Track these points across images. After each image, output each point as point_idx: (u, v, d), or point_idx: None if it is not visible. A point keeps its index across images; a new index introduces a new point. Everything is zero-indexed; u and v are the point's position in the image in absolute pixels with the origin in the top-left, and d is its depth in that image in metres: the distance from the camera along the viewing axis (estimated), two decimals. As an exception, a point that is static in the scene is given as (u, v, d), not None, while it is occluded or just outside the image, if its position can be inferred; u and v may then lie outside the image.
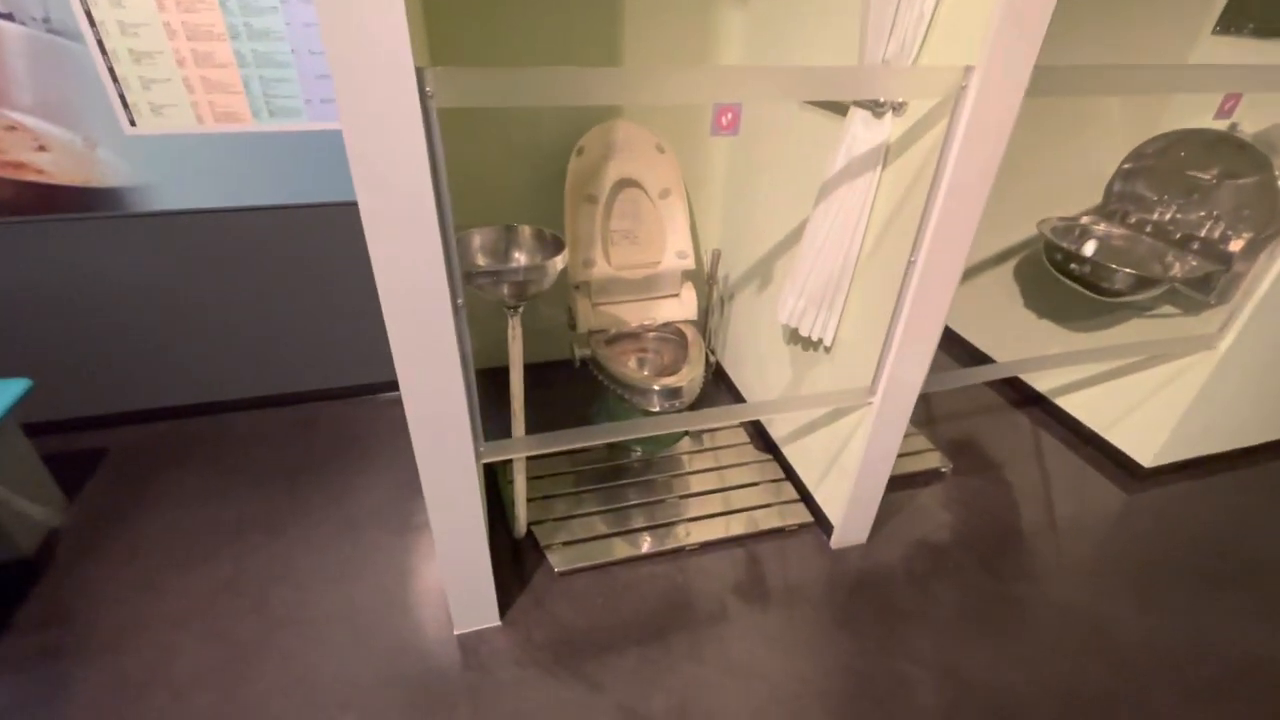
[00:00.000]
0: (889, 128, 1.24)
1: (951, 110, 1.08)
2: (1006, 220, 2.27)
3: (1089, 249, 1.85)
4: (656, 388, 1.66)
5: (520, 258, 1.14)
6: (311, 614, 1.47)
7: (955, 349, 2.66)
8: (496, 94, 0.86)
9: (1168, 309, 1.81)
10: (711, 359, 2.14)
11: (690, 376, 1.72)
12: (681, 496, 1.86)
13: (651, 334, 1.96)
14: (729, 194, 2.14)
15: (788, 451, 1.91)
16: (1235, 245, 1.59)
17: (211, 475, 1.86)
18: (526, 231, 1.15)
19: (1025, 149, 2.20)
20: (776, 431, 1.98)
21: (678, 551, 1.68)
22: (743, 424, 2.11)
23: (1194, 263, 1.65)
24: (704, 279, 2.02)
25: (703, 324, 2.16)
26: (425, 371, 1.01)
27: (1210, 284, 1.64)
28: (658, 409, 1.69)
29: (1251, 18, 1.54)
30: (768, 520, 1.77)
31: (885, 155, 1.27)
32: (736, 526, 1.75)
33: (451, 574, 1.32)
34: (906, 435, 2.10)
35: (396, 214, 0.87)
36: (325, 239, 1.89)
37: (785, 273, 1.73)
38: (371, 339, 2.10)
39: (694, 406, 1.67)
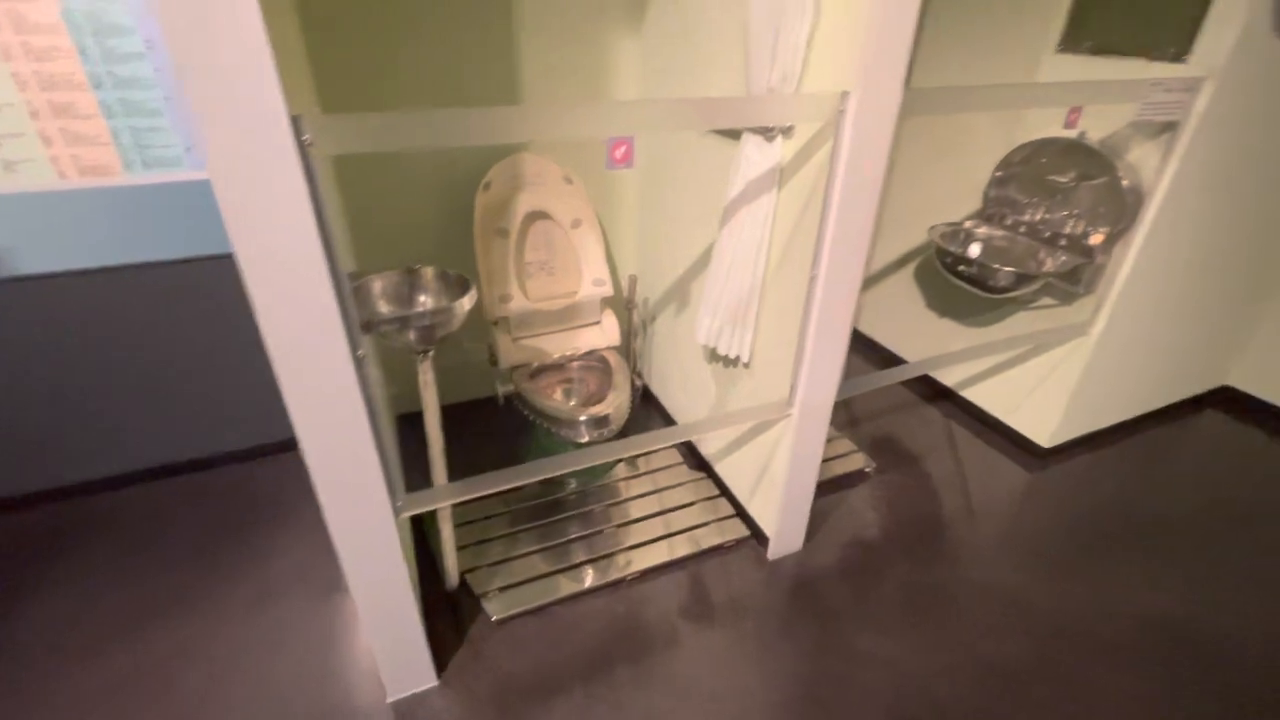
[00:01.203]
0: (780, 150, 1.30)
1: (834, 132, 1.14)
2: (904, 228, 2.42)
3: (974, 250, 1.99)
4: (583, 418, 1.65)
5: (425, 301, 1.11)
6: (226, 696, 1.35)
7: (869, 352, 2.79)
8: (382, 139, 0.84)
9: (1047, 301, 1.97)
10: (638, 382, 2.15)
11: (616, 403, 1.71)
12: (620, 525, 1.84)
13: (575, 364, 1.95)
14: (643, 219, 2.17)
15: (719, 468, 1.94)
16: (1095, 239, 1.76)
17: (106, 557, 1.68)
18: (430, 273, 1.12)
19: (915, 162, 2.37)
20: (707, 449, 2.00)
21: (618, 583, 1.66)
22: (675, 445, 2.12)
23: (1063, 258, 1.81)
24: (623, 305, 2.03)
25: (626, 349, 2.17)
26: (328, 428, 0.96)
27: (1078, 276, 1.80)
28: (587, 439, 1.67)
29: (1088, 38, 1.73)
30: (706, 539, 1.78)
31: (779, 176, 1.33)
32: (676, 549, 1.75)
33: (380, 638, 1.25)
34: (831, 440, 2.18)
35: (279, 266, 0.83)
36: (215, 292, 1.77)
37: (701, 294, 1.77)
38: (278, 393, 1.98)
39: (625, 431, 1.66)
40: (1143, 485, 2.05)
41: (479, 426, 2.21)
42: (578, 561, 1.72)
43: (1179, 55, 1.54)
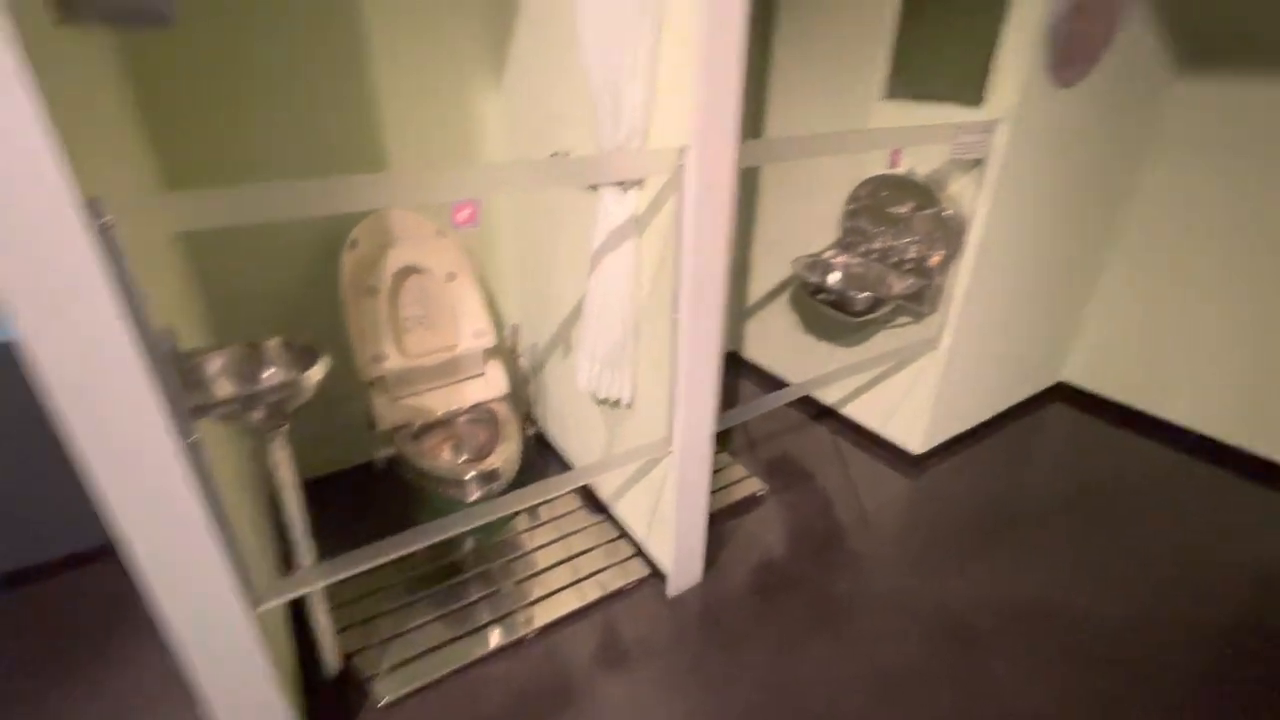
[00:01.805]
0: (635, 201, 1.35)
1: (678, 184, 1.20)
2: (777, 259, 2.57)
3: (834, 278, 2.15)
4: (470, 475, 1.61)
5: (270, 375, 1.05)
6: None
7: (758, 378, 2.91)
8: (200, 215, 0.80)
9: (903, 319, 2.15)
10: (530, 431, 2.13)
11: (505, 456, 1.68)
12: (521, 580, 1.79)
13: (462, 418, 1.91)
14: (523, 267, 2.18)
15: (617, 510, 1.94)
16: (934, 262, 1.95)
17: (-103, 705, 1.43)
18: (275, 345, 1.06)
19: (781, 199, 2.54)
20: (604, 492, 2.00)
21: (520, 642, 1.61)
22: (573, 490, 2.10)
23: (909, 281, 1.99)
24: (508, 354, 2.02)
25: (516, 397, 2.15)
26: (157, 528, 0.88)
27: (923, 296, 1.99)
28: (476, 496, 1.63)
29: (906, 87, 1.95)
30: (609, 582, 1.77)
31: (638, 225, 1.38)
32: (579, 597, 1.72)
33: (245, 747, 1.13)
34: (724, 468, 2.24)
35: (79, 355, 0.76)
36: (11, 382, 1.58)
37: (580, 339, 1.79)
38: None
39: (523, 481, 1.63)
40: (1004, 480, 2.25)
41: (364, 494, 2.09)
42: (480, 624, 1.66)
43: (977, 101, 1.77)
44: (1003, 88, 1.71)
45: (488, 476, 1.63)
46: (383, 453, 1.73)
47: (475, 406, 1.91)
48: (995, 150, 1.75)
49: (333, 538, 1.35)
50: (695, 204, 1.21)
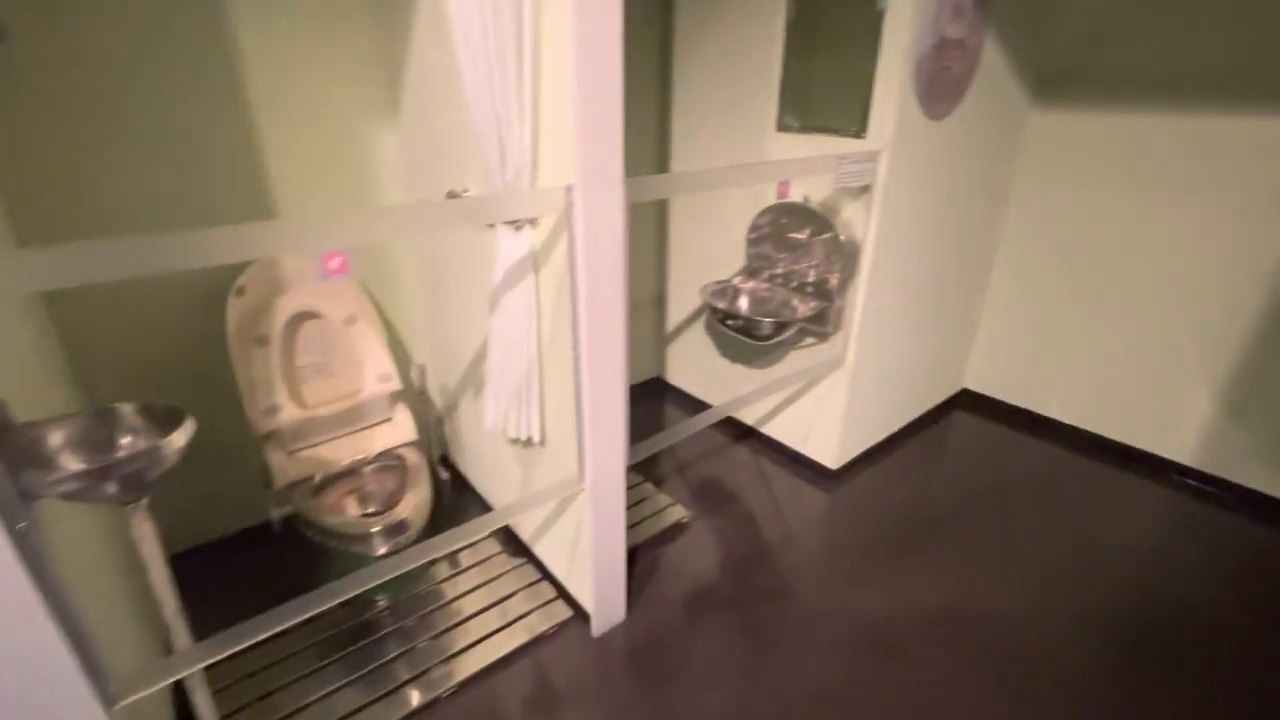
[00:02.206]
0: (530, 239, 1.35)
1: (567, 221, 1.21)
2: (691, 286, 2.62)
3: (742, 304, 2.21)
4: (375, 529, 1.53)
5: (127, 444, 0.96)
6: None
7: (682, 403, 2.94)
8: (41, 276, 0.73)
9: (809, 340, 2.23)
10: (444, 475, 2.05)
11: (413, 504, 1.62)
12: (440, 633, 1.70)
13: (369, 467, 1.82)
14: (431, 305, 2.12)
15: (538, 550, 1.89)
16: (833, 284, 2.04)
17: None
18: (130, 410, 0.98)
19: (691, 228, 2.60)
20: (524, 533, 1.94)
21: (440, 699, 1.52)
22: (492, 534, 2.04)
23: (812, 303, 2.07)
24: (416, 396, 1.95)
25: (428, 440, 2.07)
26: (-20, 627, 0.78)
27: (826, 318, 2.07)
28: (384, 550, 1.55)
29: (794, 121, 2.05)
30: (533, 626, 1.71)
31: (535, 261, 1.37)
32: (501, 646, 1.65)
33: None
34: (648, 496, 2.24)
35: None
36: None
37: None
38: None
39: (442, 525, 1.55)
40: (915, 488, 2.35)
41: (262, 557, 1.95)
42: (397, 684, 1.57)
43: (860, 133, 1.88)
44: (881, 121, 1.82)
45: (395, 528, 1.55)
46: (279, 511, 1.62)
47: (383, 454, 1.83)
48: (879, 178, 1.86)
49: (227, 608, 1.24)
50: (586, 241, 1.21)
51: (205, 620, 1.18)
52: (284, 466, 1.68)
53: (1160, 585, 1.89)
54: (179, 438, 0.95)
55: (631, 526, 2.07)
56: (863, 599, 1.83)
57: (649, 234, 2.73)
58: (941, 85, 1.90)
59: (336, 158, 1.85)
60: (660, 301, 2.89)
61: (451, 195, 1.59)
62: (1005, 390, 2.80)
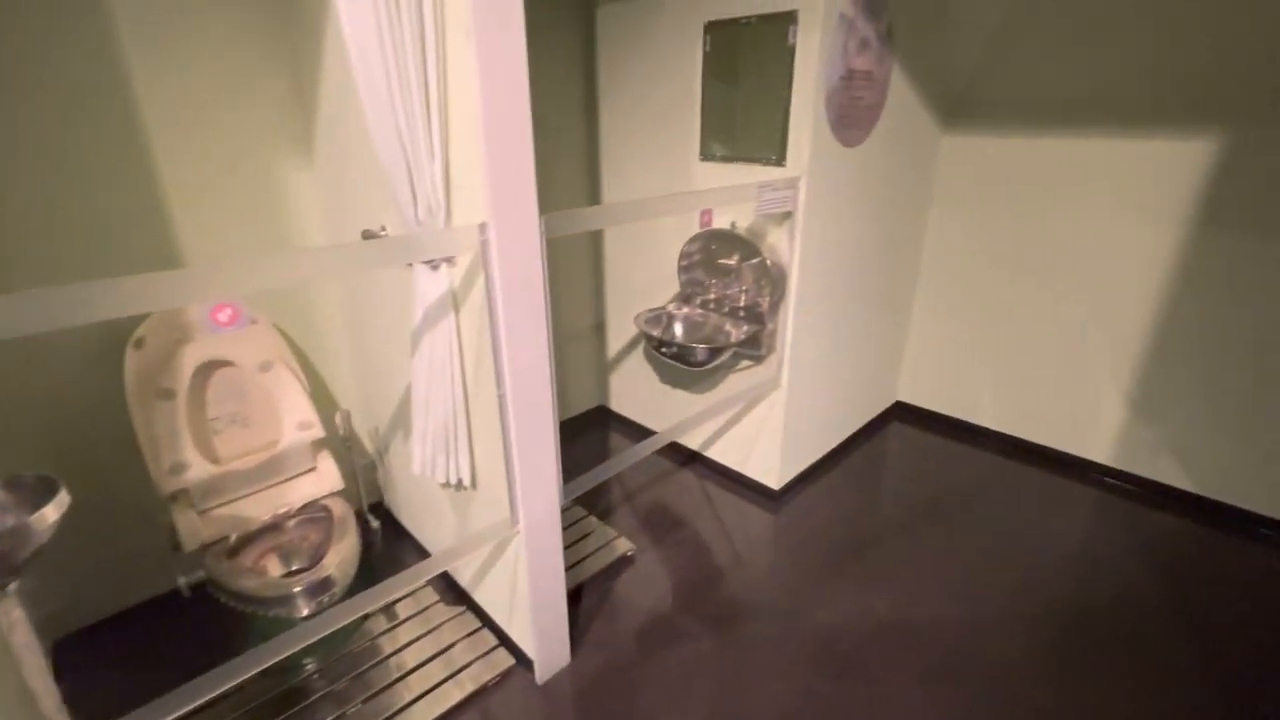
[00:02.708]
0: (447, 277, 1.31)
1: (483, 259, 1.18)
2: (631, 313, 2.62)
3: (677, 330, 2.22)
4: (297, 589, 1.44)
5: (-12, 523, 0.87)
6: None
7: (627, 430, 2.92)
8: None
9: (745, 363, 2.25)
10: (375, 522, 1.96)
11: (339, 558, 1.53)
12: (374, 694, 1.60)
13: (292, 521, 1.72)
14: (357, 346, 2.04)
15: (477, 596, 1.81)
16: (764, 307, 2.07)
17: None
18: (-7, 486, 0.89)
19: (625, 256, 2.61)
20: (463, 579, 1.87)
21: (368, 771, 1.42)
22: (430, 583, 1.95)
23: (744, 328, 2.09)
24: (342, 443, 1.86)
25: (357, 488, 1.98)
26: None
27: (759, 341, 2.10)
28: (309, 610, 1.45)
29: (716, 151, 2.09)
30: (476, 677, 1.63)
31: (454, 300, 1.34)
32: (442, 702, 1.57)
33: None
34: (591, 531, 2.19)
35: None
36: None
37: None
38: None
39: (371, 578, 1.47)
40: (856, 503, 2.38)
41: (171, 629, 1.80)
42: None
43: (779, 161, 1.93)
44: (798, 149, 1.88)
45: (318, 587, 1.47)
46: (188, 578, 1.50)
47: (307, 506, 1.73)
48: (799, 204, 1.91)
49: (131, 689, 1.13)
50: (504, 278, 1.19)
51: (105, 706, 1.07)
52: (194, 527, 1.56)
53: (1090, 584, 1.96)
54: (51, 512, 0.86)
55: (575, 564, 2.02)
56: (812, 619, 1.83)
57: (585, 262, 2.73)
58: (854, 114, 1.98)
59: (256, 202, 1.78)
60: (600, 329, 2.87)
61: (368, 234, 1.54)
62: (937, 401, 2.90)
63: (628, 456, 1.75)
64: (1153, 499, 2.37)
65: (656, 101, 2.23)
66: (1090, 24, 2.05)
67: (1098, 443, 2.47)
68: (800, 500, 2.39)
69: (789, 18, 1.77)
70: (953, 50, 2.29)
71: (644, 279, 2.52)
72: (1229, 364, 2.12)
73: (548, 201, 1.19)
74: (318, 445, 1.80)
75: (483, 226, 1.15)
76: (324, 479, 1.79)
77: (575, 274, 2.70)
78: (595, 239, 2.70)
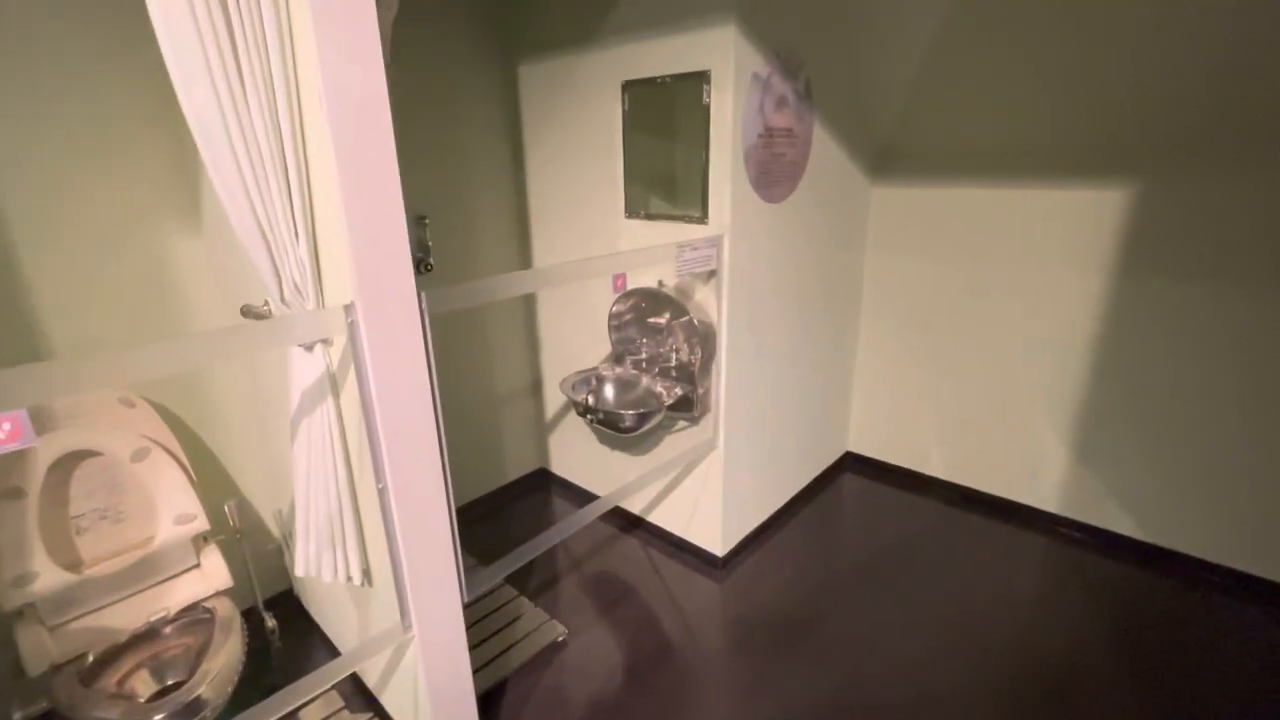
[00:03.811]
0: (323, 359, 1.19)
1: (355, 341, 1.07)
2: (565, 373, 2.51)
3: (607, 393, 2.12)
4: (159, 717, 1.25)
5: None
6: None
7: (568, 493, 2.78)
8: None
9: (682, 424, 2.16)
10: (271, 621, 1.77)
11: (211, 674, 1.35)
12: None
13: (170, 627, 1.53)
14: (259, 422, 1.88)
15: (384, 701, 1.63)
16: (696, 366, 1.99)
17: None
18: None
19: (558, 316, 2.52)
20: (369, 679, 1.68)
21: None
22: (335, 687, 1.75)
23: (677, 389, 2.00)
24: (231, 534, 1.69)
25: (251, 585, 1.79)
26: None
27: (692, 402, 2.01)
28: (175, 739, 1.26)
29: (639, 209, 2.04)
30: (372, 806, 1.44)
31: (333, 383, 1.22)
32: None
33: None
34: (521, 614, 2.03)
35: None
36: None
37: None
38: None
39: (269, 684, 1.28)
40: (804, 566, 2.27)
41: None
42: None
43: (702, 218, 1.88)
44: (719, 207, 1.84)
45: (186, 710, 1.28)
46: (25, 711, 1.30)
47: (189, 609, 1.55)
48: (724, 262, 1.86)
49: None
50: (378, 361, 1.08)
51: None
52: (41, 647, 1.36)
53: (1045, 641, 1.87)
54: None
55: (501, 653, 1.85)
56: (762, 707, 1.68)
57: (518, 320, 2.63)
58: (776, 171, 1.96)
59: (135, 277, 1.65)
60: (537, 388, 2.76)
61: (248, 310, 1.42)
62: (886, 451, 2.84)
63: (552, 535, 1.62)
64: (1102, 547, 2.31)
65: (580, 159, 2.18)
66: (999, 75, 2.07)
67: (1044, 490, 2.43)
68: (748, 566, 2.27)
69: (702, 77, 1.75)
70: (871, 104, 2.31)
71: (576, 338, 2.43)
72: (1160, 409, 2.11)
73: (474, 263, 1.09)
74: (203, 539, 1.63)
75: (349, 308, 1.05)
76: (209, 577, 1.61)
77: (509, 333, 2.60)
78: (527, 298, 2.61)
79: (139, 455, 1.55)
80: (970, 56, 2.06)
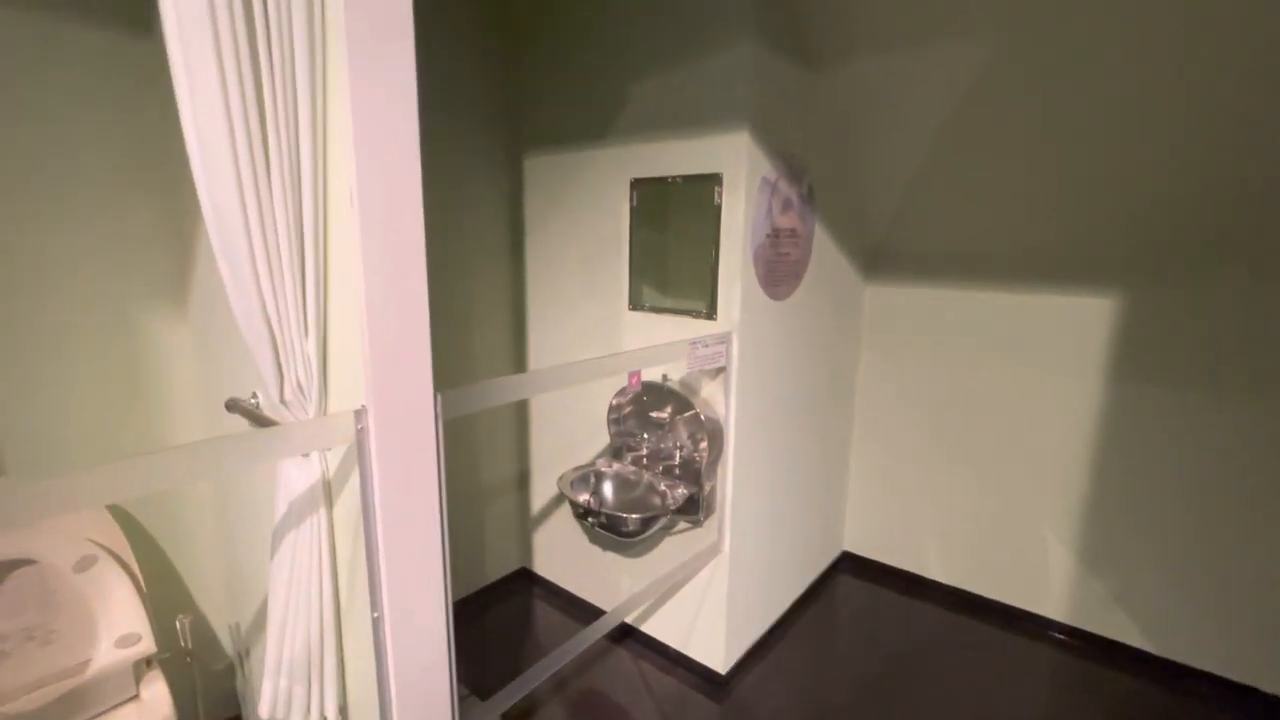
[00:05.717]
0: (320, 465, 1.08)
1: (362, 451, 0.96)
2: (558, 467, 2.38)
3: (606, 492, 2.00)
4: None
5: None
6: None
7: (554, 598, 2.58)
8: None
9: (683, 525, 2.04)
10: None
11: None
12: None
13: (94, 776, 1.28)
14: (219, 525, 1.70)
15: None
16: (702, 464, 1.90)
17: None
18: None
19: (553, 408, 2.43)
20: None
21: None
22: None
23: (680, 489, 1.91)
24: (181, 657, 1.47)
25: (197, 712, 1.56)
26: None
27: (698, 504, 1.91)
28: None
29: (644, 303, 2.02)
30: None
31: (327, 493, 1.09)
32: None
33: None
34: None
35: None
36: None
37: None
38: None
39: None
40: (806, 683, 2.11)
41: None
42: None
43: (710, 314, 1.86)
44: (728, 304, 1.82)
45: None
46: None
47: (120, 751, 1.31)
48: (733, 359, 1.82)
49: None
50: (384, 471, 0.97)
51: None
52: (-71, 812, 1.12)
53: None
54: None
55: (482, 796, 1.61)
56: None
57: (506, 410, 2.52)
58: (781, 269, 1.97)
59: (107, 364, 1.51)
60: (523, 481, 2.61)
61: (234, 404, 1.30)
62: (883, 552, 2.74)
63: (556, 658, 1.46)
64: (1111, 659, 2.22)
65: (584, 250, 2.17)
66: (979, 187, 2.15)
67: (1049, 597, 2.35)
68: (749, 684, 2.09)
69: (715, 179, 1.78)
70: (866, 209, 2.39)
71: (572, 428, 2.33)
72: (1164, 514, 2.09)
73: (468, 352, 1.01)
74: (145, 665, 1.41)
75: (359, 413, 0.95)
76: (149, 711, 1.38)
77: (495, 422, 2.48)
78: (520, 385, 2.52)
79: (83, 565, 1.37)
80: (963, 161, 2.14)
